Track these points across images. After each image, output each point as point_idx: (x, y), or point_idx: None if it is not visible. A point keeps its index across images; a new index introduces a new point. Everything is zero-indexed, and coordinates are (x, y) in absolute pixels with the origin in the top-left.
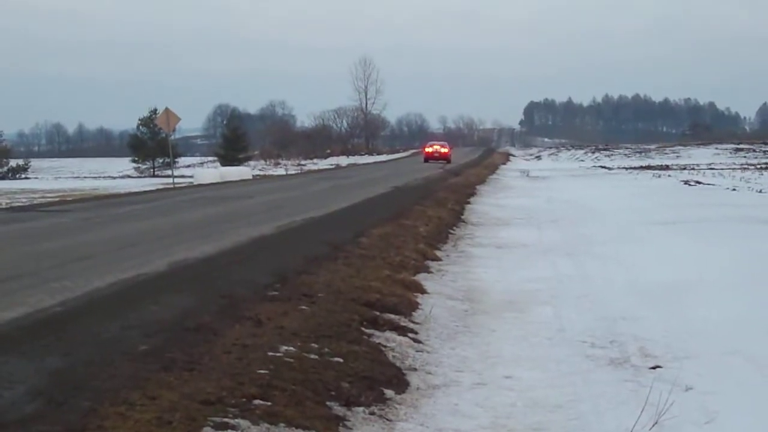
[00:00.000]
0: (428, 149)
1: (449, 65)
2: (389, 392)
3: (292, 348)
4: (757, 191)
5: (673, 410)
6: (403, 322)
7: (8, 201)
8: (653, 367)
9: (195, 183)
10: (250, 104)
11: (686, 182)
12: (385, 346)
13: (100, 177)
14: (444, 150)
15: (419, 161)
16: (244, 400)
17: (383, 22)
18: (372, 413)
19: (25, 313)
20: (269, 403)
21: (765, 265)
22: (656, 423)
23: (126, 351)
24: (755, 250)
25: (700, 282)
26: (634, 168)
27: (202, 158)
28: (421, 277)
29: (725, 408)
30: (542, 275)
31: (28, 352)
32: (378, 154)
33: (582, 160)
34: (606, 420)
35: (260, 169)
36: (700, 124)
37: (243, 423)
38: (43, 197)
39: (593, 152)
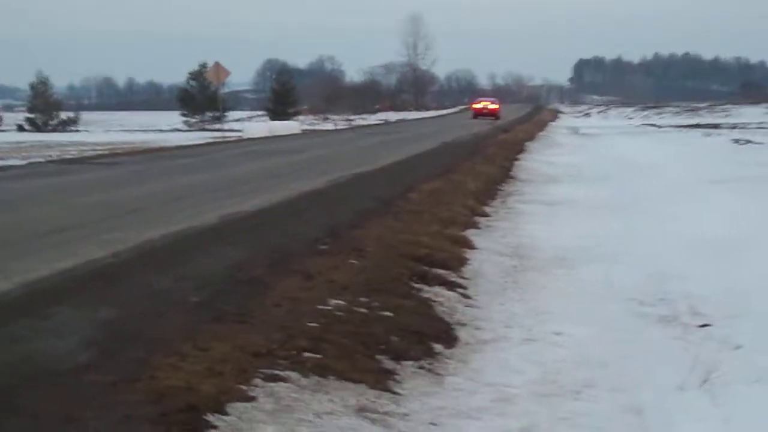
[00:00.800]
0: (477, 105)
1: (499, 21)
2: (438, 347)
3: (342, 302)
4: None
5: (723, 368)
6: (452, 277)
7: (59, 153)
8: (703, 325)
9: (244, 137)
10: (300, 59)
11: (736, 141)
12: (434, 301)
13: (149, 130)
14: (493, 106)
15: (468, 117)
16: (294, 352)
17: None
18: (421, 367)
19: (78, 264)
20: (319, 356)
21: None
22: (706, 381)
23: (178, 303)
24: None
25: (751, 240)
26: (684, 126)
27: (251, 112)
28: (470, 233)
29: None
30: (592, 232)
31: (80, 303)
32: (426, 110)
33: (631, 118)
34: (655, 377)
35: (309, 124)
36: (751, 83)
37: (293, 375)
38: (93, 150)
39: (643, 110)
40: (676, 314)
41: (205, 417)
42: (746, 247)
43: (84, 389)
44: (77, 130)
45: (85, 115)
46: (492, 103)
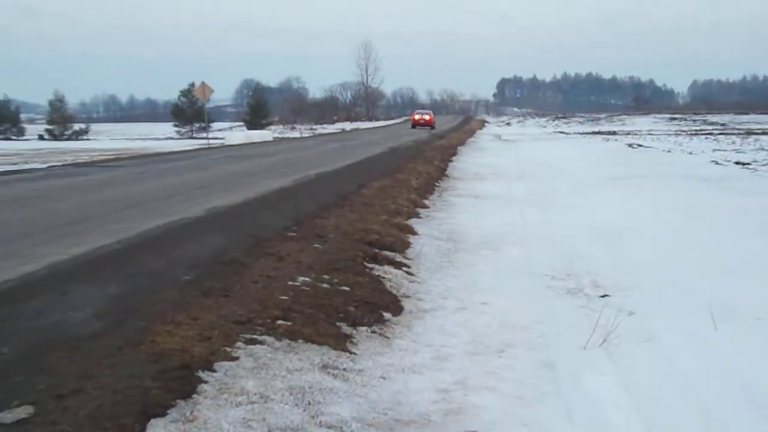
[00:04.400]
0: (416, 116)
1: (436, 46)
2: (387, 315)
3: (307, 279)
4: (687, 153)
5: (618, 331)
6: (399, 258)
7: (72, 158)
8: (603, 296)
9: (226, 144)
10: (271, 79)
11: (630, 145)
12: (383, 278)
13: (147, 139)
14: (427, 117)
15: (407, 128)
16: (269, 320)
17: (383, 10)
18: (373, 332)
19: (90, 249)
20: (290, 323)
21: (694, 213)
22: (605, 341)
23: (172, 281)
24: (686, 201)
25: (641, 227)
26: (588, 133)
27: (231, 123)
28: (413, 222)
29: (662, 329)
30: (512, 221)
31: (93, 281)
32: (376, 121)
33: (544, 127)
34: (564, 339)
35: (279, 133)
36: (642, 98)
37: (269, 339)
38: (101, 155)
39: (554, 120)
40: (581, 287)
41: (197, 374)
42: (636, 233)
43: (97, 351)
44: (88, 139)
45: (94, 127)
46: (427, 114)
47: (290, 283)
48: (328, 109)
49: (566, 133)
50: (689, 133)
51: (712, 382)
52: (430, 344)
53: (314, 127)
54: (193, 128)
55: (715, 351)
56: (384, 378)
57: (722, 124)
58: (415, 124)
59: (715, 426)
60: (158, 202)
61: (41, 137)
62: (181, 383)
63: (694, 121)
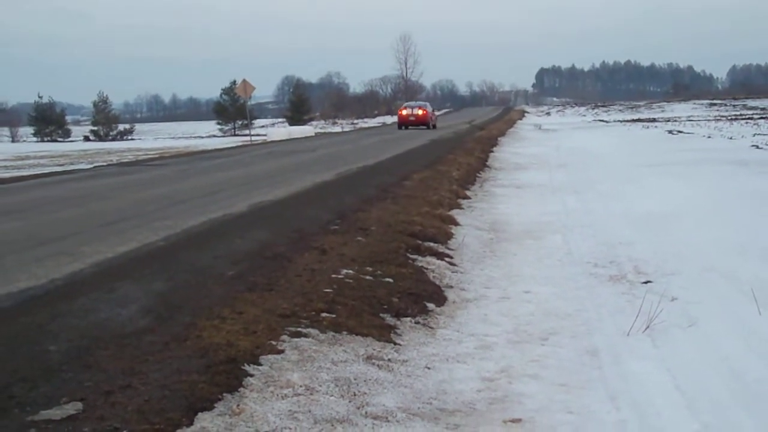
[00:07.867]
0: (403, 112)
1: (475, 38)
2: (431, 305)
3: (351, 271)
4: (727, 138)
5: (661, 317)
6: (441, 248)
7: (117, 158)
8: (645, 282)
9: (268, 140)
10: (312, 75)
11: (670, 132)
12: (426, 269)
13: (191, 137)
14: (420, 112)
15: (449, 120)
16: (313, 313)
17: (421, 2)
18: (417, 322)
19: (135, 247)
20: (334, 316)
21: (734, 198)
22: (648, 327)
23: (217, 276)
24: (726, 185)
25: (682, 213)
26: (627, 121)
27: (273, 120)
28: (455, 212)
29: (704, 314)
30: (553, 209)
31: (139, 278)
32: None
33: (584, 116)
34: (607, 325)
35: (320, 128)
36: (681, 84)
37: (313, 331)
38: (145, 154)
39: (593, 109)
40: (623, 273)
41: (242, 367)
42: (677, 219)
43: (144, 347)
44: (132, 139)
45: (139, 126)
46: (420, 108)
47: (334, 275)
48: (368, 103)
49: (606, 122)
50: (729, 118)
51: (756, 366)
52: (473, 333)
53: (355, 121)
54: (236, 125)
55: (759, 335)
56: (428, 368)
57: (762, 109)
58: (404, 123)
59: (760, 408)
60: (202, 198)
61: (87, 138)
62: (227, 377)
63: (734, 106)
